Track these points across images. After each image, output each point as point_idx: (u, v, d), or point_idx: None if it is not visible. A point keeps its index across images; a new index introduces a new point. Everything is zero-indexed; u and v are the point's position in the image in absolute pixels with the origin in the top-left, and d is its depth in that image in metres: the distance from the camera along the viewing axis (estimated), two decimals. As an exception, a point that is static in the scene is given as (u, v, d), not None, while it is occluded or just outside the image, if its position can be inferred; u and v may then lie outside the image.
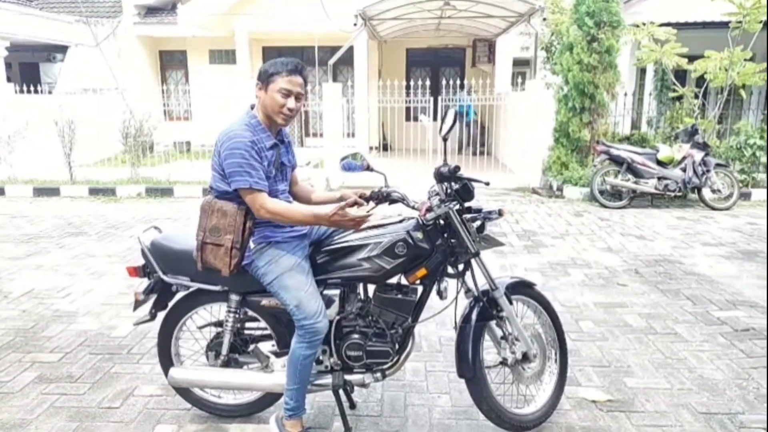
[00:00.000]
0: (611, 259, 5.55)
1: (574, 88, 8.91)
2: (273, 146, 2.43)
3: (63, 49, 13.26)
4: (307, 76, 2.52)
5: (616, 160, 8.06)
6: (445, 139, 2.51)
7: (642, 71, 12.21)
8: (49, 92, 11.83)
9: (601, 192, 8.18)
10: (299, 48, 14.28)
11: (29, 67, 14.27)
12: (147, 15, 13.89)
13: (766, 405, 3.00)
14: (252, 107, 2.47)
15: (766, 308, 4.31)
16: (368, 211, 2.69)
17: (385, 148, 14.17)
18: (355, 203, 2.43)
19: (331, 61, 10.33)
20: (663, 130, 9.86)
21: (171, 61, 15.12)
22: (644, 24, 9.33)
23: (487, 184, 2.63)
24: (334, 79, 10.87)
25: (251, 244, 2.47)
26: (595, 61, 8.72)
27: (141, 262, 2.68)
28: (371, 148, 13.45)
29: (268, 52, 14.82)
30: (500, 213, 2.58)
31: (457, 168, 2.49)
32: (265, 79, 2.38)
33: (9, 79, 11.21)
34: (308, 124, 14.27)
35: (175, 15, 13.33)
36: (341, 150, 10.44)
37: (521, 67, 13.46)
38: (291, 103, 2.38)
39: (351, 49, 11.43)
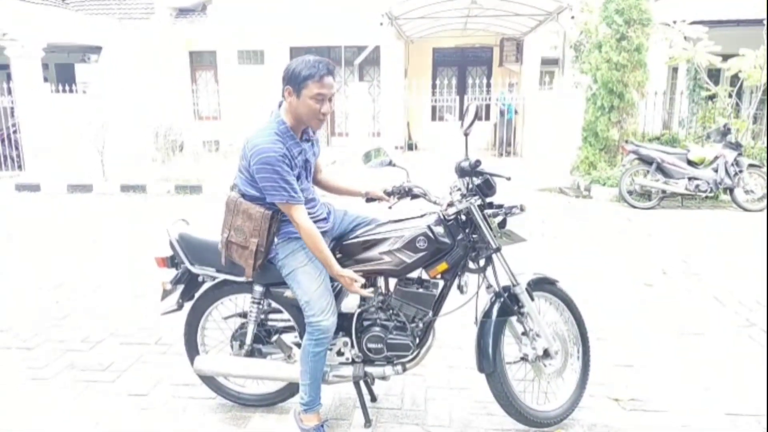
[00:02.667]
0: (638, 259, 5.46)
1: (602, 86, 8.80)
2: (300, 151, 2.43)
3: (97, 49, 13.60)
4: (336, 73, 2.53)
5: (646, 160, 7.93)
6: (466, 134, 2.52)
7: (674, 70, 11.98)
8: (84, 92, 12.16)
9: (630, 192, 8.05)
10: (326, 47, 14.38)
11: (65, 67, 14.68)
12: (178, 16, 14.17)
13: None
14: (279, 105, 2.43)
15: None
16: (390, 207, 2.72)
17: (410, 148, 14.17)
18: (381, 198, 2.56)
19: (358, 61, 10.40)
20: (695, 130, 9.66)
21: (201, 62, 15.39)
22: (675, 22, 9.15)
23: (509, 179, 2.62)
24: (360, 79, 10.94)
25: (275, 239, 2.51)
26: (625, 59, 8.59)
27: (169, 253, 2.75)
28: (396, 148, 13.47)
29: (296, 53, 14.95)
30: (522, 208, 2.57)
31: (478, 162, 2.49)
32: (296, 84, 2.30)
33: (45, 80, 11.55)
34: (334, 124, 14.37)
35: (205, 16, 13.57)
36: (367, 149, 10.49)
37: (549, 66, 13.32)
38: (326, 107, 2.35)
39: (377, 48, 11.48)
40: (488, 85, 10.36)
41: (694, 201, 8.14)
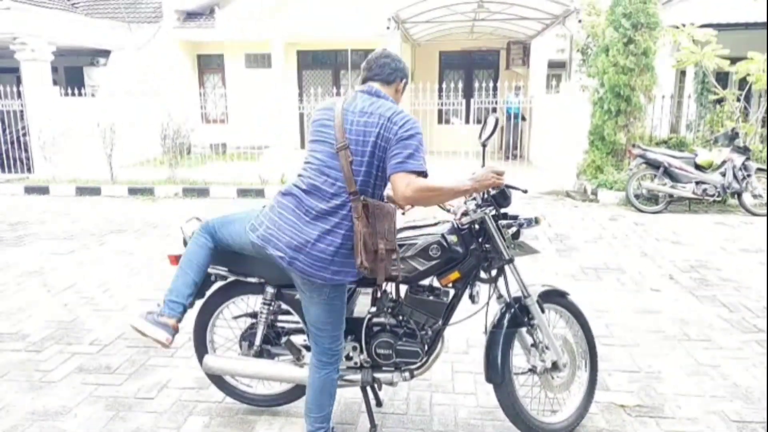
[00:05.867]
0: (645, 264, 5.45)
1: (609, 90, 8.78)
2: None
3: (106, 53, 13.70)
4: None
5: (653, 164, 7.90)
6: (484, 145, 2.53)
7: (682, 73, 11.92)
8: (92, 95, 12.25)
9: (637, 196, 8.03)
10: (333, 51, 14.43)
11: (74, 70, 14.78)
12: (186, 20, 14.24)
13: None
14: (395, 102, 2.35)
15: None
16: (403, 213, 2.72)
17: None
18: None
19: (364, 65, 10.41)
20: (703, 134, 9.62)
21: (208, 65, 15.46)
22: (683, 25, 9.12)
23: (525, 191, 2.64)
24: (367, 82, 10.96)
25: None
26: (632, 63, 8.57)
27: (182, 250, 2.77)
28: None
29: (303, 56, 15.02)
30: (537, 221, 2.59)
31: None
32: (406, 85, 2.43)
33: (55, 83, 11.65)
34: (341, 127, 14.38)
35: (213, 20, 13.64)
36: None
37: (556, 69, 13.31)
38: None
39: (384, 52, 11.50)
40: (495, 89, 10.36)
41: (702, 205, 8.10)
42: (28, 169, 11.23)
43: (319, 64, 15.12)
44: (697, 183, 7.74)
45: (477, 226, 2.54)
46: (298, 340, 2.78)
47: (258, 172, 9.97)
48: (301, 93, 11.83)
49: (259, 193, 9.46)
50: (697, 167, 7.83)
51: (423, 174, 2.14)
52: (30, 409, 2.99)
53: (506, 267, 2.57)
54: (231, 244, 2.52)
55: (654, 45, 8.65)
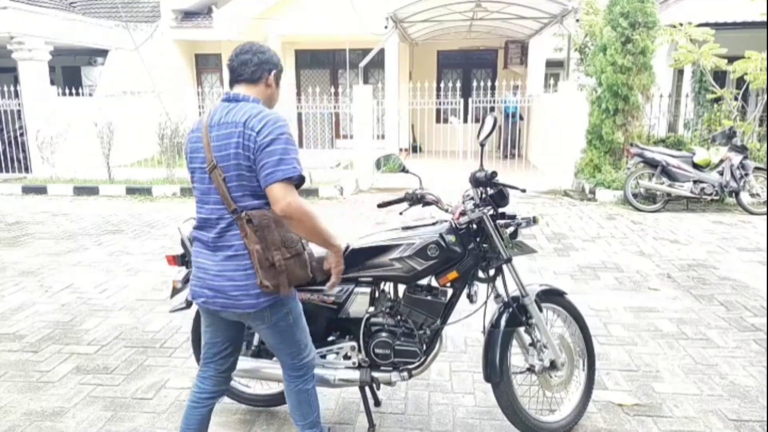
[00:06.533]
0: (643, 263, 5.45)
1: (607, 89, 8.78)
2: None
3: (103, 53, 13.66)
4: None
5: (651, 163, 7.91)
6: (482, 145, 2.54)
7: (680, 72, 11.94)
8: (90, 95, 12.22)
9: (635, 195, 8.04)
10: (331, 51, 14.42)
11: (71, 70, 14.75)
12: (183, 19, 14.21)
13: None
14: (257, 101, 2.13)
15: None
16: (401, 213, 2.72)
17: (414, 150, 14.19)
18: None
19: (362, 64, 10.40)
20: (700, 133, 9.63)
21: (206, 65, 15.44)
22: (681, 24, 9.13)
23: (524, 191, 2.65)
24: (365, 82, 10.95)
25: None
26: (630, 62, 8.58)
27: (180, 251, 2.76)
28: (401, 150, 13.48)
29: (301, 55, 15.00)
30: (535, 221, 2.60)
31: (495, 174, 2.51)
32: (279, 72, 2.21)
33: (52, 82, 11.60)
34: (339, 126, 14.40)
35: (210, 19, 13.60)
36: (371, 152, 10.51)
37: (554, 68, 13.32)
38: None
39: (382, 51, 11.50)
40: (493, 88, 10.37)
41: (699, 204, 8.11)
42: (26, 169, 11.21)
43: (317, 63, 15.12)
44: (695, 182, 7.75)
45: (475, 226, 2.55)
46: None
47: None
48: (299, 92, 11.82)
49: (257, 192, 9.44)
50: (695, 166, 7.84)
51: (298, 178, 2.00)
52: (28, 410, 2.98)
53: (504, 266, 2.57)
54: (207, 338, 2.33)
55: (652, 44, 8.66)
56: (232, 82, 2.17)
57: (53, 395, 3.13)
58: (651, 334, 3.86)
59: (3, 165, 11.15)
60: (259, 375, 2.76)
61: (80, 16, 13.04)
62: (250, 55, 2.12)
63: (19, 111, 11.01)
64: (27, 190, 9.95)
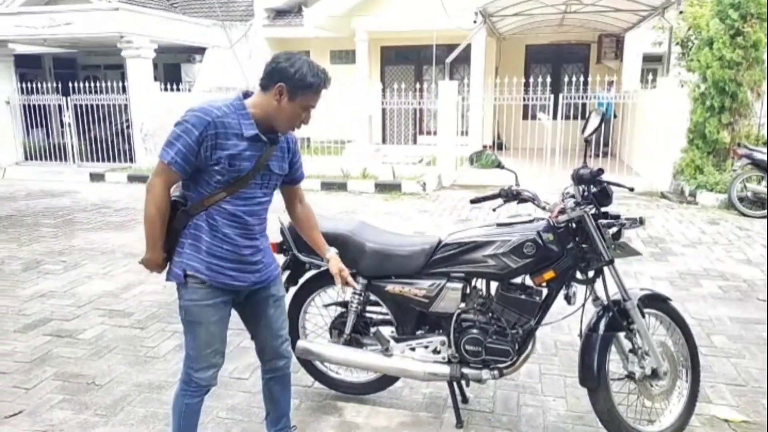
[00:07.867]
0: (750, 272, 5.07)
1: (713, 86, 8.23)
2: (254, 139, 2.04)
3: (201, 50, 14.41)
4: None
5: (760, 165, 7.34)
6: (587, 141, 2.46)
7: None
8: (189, 90, 12.93)
9: (741, 199, 7.48)
10: (417, 47, 14.40)
11: (172, 67, 15.67)
12: (275, 18, 14.72)
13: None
14: (245, 95, 2.12)
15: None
16: (494, 209, 2.68)
17: (499, 147, 13.93)
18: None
19: (449, 59, 10.33)
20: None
21: (296, 61, 15.87)
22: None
23: (632, 189, 2.55)
24: (450, 77, 10.86)
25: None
26: (739, 56, 7.98)
27: (279, 239, 2.86)
28: (485, 147, 13.28)
29: (387, 52, 15.11)
30: (641, 221, 2.49)
31: (601, 171, 2.42)
32: (296, 87, 2.00)
33: (155, 79, 12.39)
34: (422, 122, 14.38)
35: (301, 17, 13.99)
36: (454, 148, 10.43)
37: (651, 63, 12.62)
38: (308, 117, 2.10)
39: (468, 46, 11.36)
40: (585, 83, 9.96)
41: (816, 211, 7.42)
42: (131, 159, 12.04)
43: (403, 59, 15.16)
44: (811, 186, 7.10)
45: (574, 225, 2.46)
46: (386, 331, 2.81)
47: (341, 165, 10.16)
48: (384, 88, 11.92)
49: (342, 186, 9.63)
50: (812, 169, 7.19)
51: (162, 162, 2.04)
52: (137, 381, 3.21)
53: (605, 268, 2.47)
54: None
55: (765, 37, 8.01)
56: None
57: (159, 369, 3.35)
58: (760, 348, 3.58)
59: (111, 155, 12.03)
60: (349, 362, 2.82)
61: (181, 16, 13.83)
62: (272, 62, 2.05)
63: (125, 105, 11.84)
64: (132, 178, 10.69)
